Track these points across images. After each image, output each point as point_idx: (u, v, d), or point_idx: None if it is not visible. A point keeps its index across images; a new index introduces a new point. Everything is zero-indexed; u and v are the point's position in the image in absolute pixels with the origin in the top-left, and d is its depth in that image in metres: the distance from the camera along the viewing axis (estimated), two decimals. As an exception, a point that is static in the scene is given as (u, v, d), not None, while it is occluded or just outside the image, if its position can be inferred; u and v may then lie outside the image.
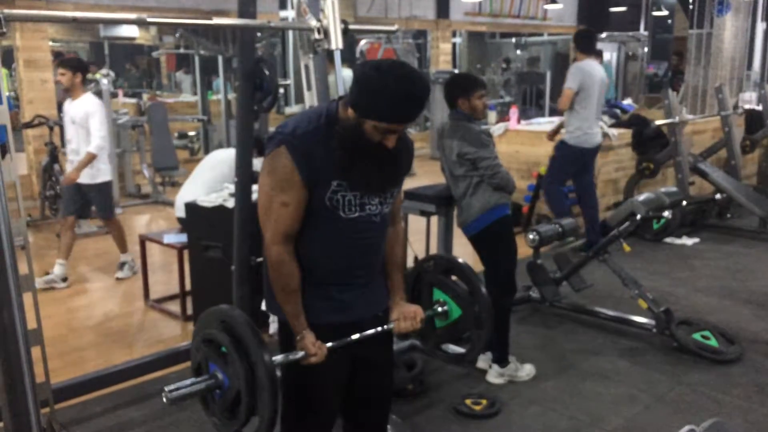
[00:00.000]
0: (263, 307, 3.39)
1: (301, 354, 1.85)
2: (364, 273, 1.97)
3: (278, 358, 1.84)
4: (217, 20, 2.42)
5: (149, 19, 2.20)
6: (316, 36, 2.84)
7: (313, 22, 2.84)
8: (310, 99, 3.01)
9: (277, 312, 1.96)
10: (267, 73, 3.34)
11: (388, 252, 2.05)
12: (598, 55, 6.34)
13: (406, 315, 2.04)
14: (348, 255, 1.91)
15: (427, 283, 2.29)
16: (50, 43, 14.86)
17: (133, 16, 2.23)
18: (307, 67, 2.98)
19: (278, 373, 1.83)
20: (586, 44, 5.62)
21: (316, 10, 2.94)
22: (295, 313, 1.88)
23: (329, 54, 3.06)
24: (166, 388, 1.77)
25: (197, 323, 1.95)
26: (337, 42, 2.86)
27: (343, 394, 2.06)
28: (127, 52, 16.87)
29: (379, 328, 2.01)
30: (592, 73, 5.42)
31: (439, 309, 2.24)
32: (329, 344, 1.88)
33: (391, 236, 2.05)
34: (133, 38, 14.90)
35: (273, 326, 3.37)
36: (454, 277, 2.32)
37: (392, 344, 2.18)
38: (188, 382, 1.82)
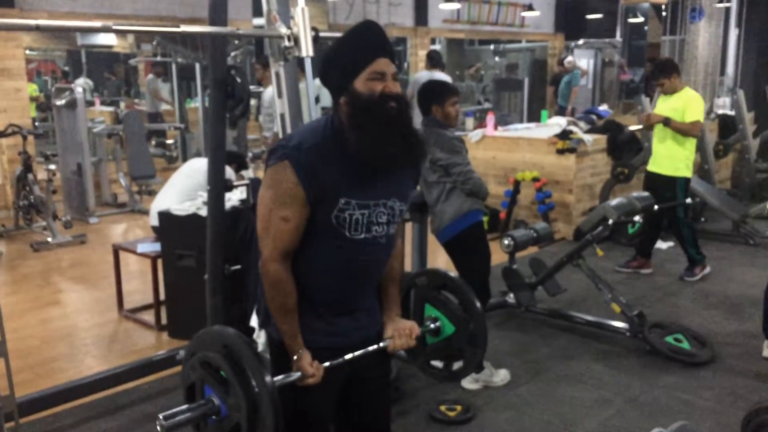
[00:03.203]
0: (252, 322, 3.37)
1: (297, 375, 1.77)
2: (365, 297, 1.92)
3: (275, 379, 1.73)
4: (184, 27, 2.41)
5: (114, 27, 2.19)
6: (287, 43, 2.84)
7: (283, 30, 2.84)
8: (282, 106, 3.01)
9: (273, 331, 1.89)
10: (239, 80, 3.33)
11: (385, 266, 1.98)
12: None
13: (401, 332, 1.95)
14: (350, 278, 1.84)
15: (419, 297, 2.22)
16: (27, 52, 14.77)
17: (98, 24, 2.21)
18: (278, 74, 2.98)
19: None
20: (434, 61, 8.01)
21: (287, 17, 2.94)
22: (292, 333, 1.80)
23: (301, 62, 3.07)
24: (161, 416, 1.64)
25: (193, 341, 1.81)
26: (307, 49, 2.86)
27: (336, 415, 1.99)
28: (105, 61, 16.76)
29: (374, 346, 1.92)
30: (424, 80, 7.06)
31: (432, 325, 2.14)
32: (326, 364, 1.81)
33: None
34: (111, 46, 14.79)
35: (260, 342, 3.31)
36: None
37: (389, 361, 2.10)
38: (183, 408, 1.71)
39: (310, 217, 1.75)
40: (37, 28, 2.14)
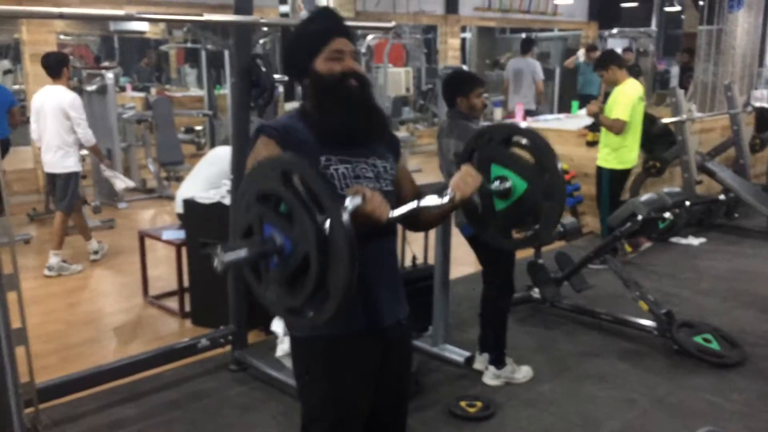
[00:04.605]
0: (273, 327, 3.37)
1: (357, 199, 1.54)
2: (374, 268, 1.81)
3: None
4: (207, 16, 2.39)
5: (137, 15, 2.18)
6: (310, 33, 2.81)
7: (307, 19, 2.81)
8: (304, 96, 2.99)
9: (297, 330, 1.85)
10: (263, 69, 3.31)
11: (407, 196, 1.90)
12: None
13: (459, 178, 1.79)
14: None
15: (483, 160, 1.95)
16: (62, 37, 14.95)
17: (121, 12, 2.20)
18: (301, 64, 2.96)
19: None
20: (525, 47, 9.17)
21: (311, 5, 2.91)
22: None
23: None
24: (219, 249, 1.46)
25: (245, 180, 1.60)
26: (331, 39, 2.82)
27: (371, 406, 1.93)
28: (137, 47, 16.90)
29: (439, 201, 1.74)
30: (519, 66, 8.98)
31: (500, 185, 1.89)
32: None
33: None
34: (143, 32, 14.89)
35: (280, 348, 3.34)
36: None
37: (411, 339, 2.08)
38: (242, 244, 1.52)
39: None
40: (61, 16, 2.13)
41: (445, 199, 1.75)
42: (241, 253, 1.49)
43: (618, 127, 4.99)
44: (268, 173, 1.50)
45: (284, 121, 1.82)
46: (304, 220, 1.44)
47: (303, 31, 1.84)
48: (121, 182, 5.87)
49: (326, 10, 1.87)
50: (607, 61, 5.16)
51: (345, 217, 1.42)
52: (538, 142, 1.90)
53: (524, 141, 1.93)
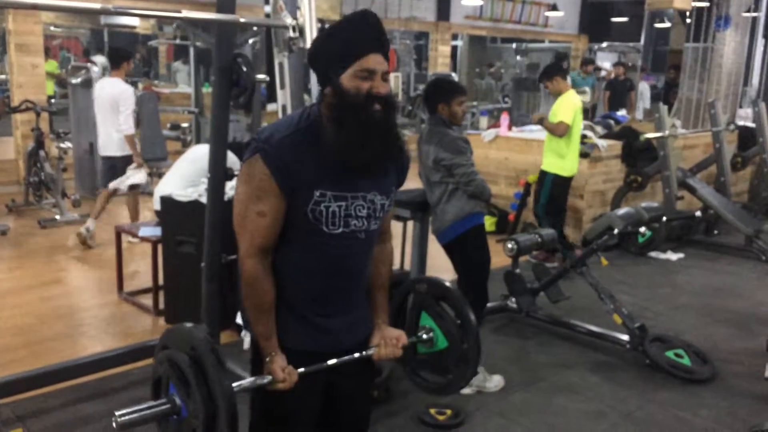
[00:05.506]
0: (238, 319, 3.36)
1: (267, 379, 1.72)
2: (347, 297, 1.85)
3: (244, 382, 1.70)
4: (185, 13, 2.37)
5: (113, 8, 2.16)
6: (291, 34, 2.80)
7: (289, 20, 2.79)
8: (283, 98, 2.97)
9: (250, 328, 1.85)
10: (244, 69, 3.29)
11: (372, 271, 1.91)
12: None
13: (387, 341, 1.91)
14: (329, 275, 1.78)
15: (416, 304, 2.15)
16: (52, 29, 14.83)
17: (97, 5, 2.17)
18: (281, 65, 2.94)
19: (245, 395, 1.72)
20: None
21: (293, 7, 2.89)
22: (266, 333, 1.75)
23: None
24: (117, 413, 1.60)
25: (165, 334, 1.77)
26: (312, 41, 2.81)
27: (317, 423, 1.94)
28: (126, 41, 16.80)
29: (356, 354, 1.86)
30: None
31: (425, 336, 2.07)
32: (301, 369, 1.75)
33: (378, 254, 1.92)
34: (134, 26, 14.84)
35: (247, 341, 3.33)
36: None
37: (372, 371, 2.08)
38: (143, 406, 1.68)
39: (286, 211, 1.70)
40: (34, 7, 2.10)
41: (366, 352, 1.89)
42: (139, 415, 1.65)
43: (562, 129, 5.20)
44: (180, 344, 1.69)
45: (288, 143, 1.67)
46: (197, 399, 1.61)
47: (337, 35, 1.68)
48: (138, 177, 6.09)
49: (368, 16, 1.67)
50: (552, 72, 5.40)
51: (228, 405, 1.58)
52: (463, 310, 2.04)
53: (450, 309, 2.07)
